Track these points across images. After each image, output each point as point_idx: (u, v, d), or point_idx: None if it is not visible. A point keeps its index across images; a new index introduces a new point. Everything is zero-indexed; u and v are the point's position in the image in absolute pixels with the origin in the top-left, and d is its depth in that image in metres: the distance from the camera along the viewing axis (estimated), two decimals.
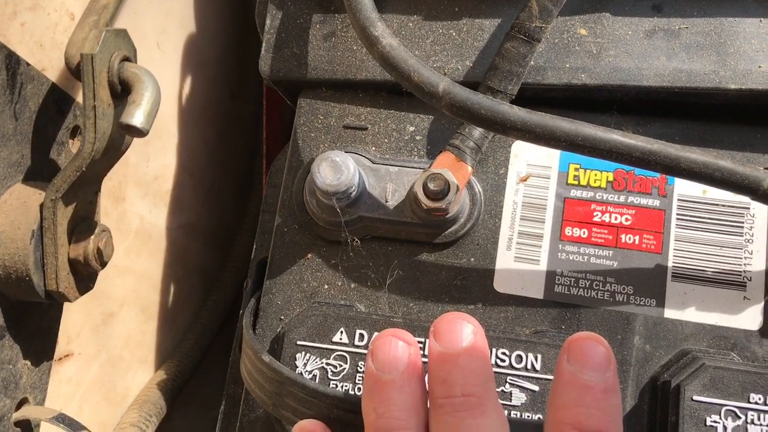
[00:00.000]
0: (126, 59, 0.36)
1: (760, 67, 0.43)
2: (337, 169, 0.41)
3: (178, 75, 0.55)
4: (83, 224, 0.38)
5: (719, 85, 0.43)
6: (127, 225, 0.49)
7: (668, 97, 0.44)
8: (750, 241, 0.42)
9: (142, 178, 0.50)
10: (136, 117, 0.34)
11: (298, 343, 0.41)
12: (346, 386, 0.40)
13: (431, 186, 0.41)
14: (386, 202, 0.44)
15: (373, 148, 0.46)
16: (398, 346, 0.33)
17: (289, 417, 0.39)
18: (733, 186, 0.38)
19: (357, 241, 0.44)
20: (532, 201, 0.45)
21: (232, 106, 0.65)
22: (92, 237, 0.37)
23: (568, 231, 0.44)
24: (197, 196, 0.59)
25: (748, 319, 0.41)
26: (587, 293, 0.43)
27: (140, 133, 0.34)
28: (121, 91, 0.36)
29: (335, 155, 0.41)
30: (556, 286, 0.43)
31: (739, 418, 0.38)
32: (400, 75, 0.40)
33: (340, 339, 0.41)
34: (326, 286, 0.44)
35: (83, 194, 0.37)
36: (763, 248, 0.42)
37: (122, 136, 0.37)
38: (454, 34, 0.46)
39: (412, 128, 0.47)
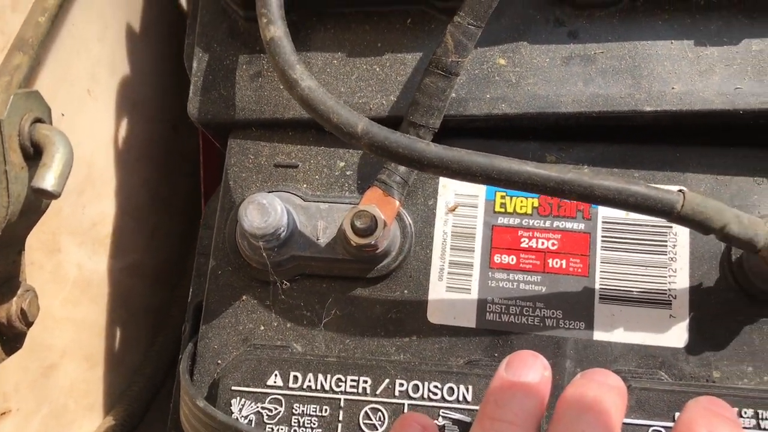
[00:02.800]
0: (38, 120, 0.36)
1: (673, 88, 0.44)
2: (264, 212, 0.41)
3: (112, 119, 0.55)
4: (5, 286, 0.37)
5: (635, 108, 0.44)
6: (64, 275, 0.49)
7: (587, 121, 0.45)
8: (673, 259, 0.43)
9: (77, 227, 0.50)
10: (47, 180, 0.34)
11: (233, 388, 0.41)
12: (282, 429, 0.40)
13: (358, 224, 0.41)
14: (318, 240, 0.44)
15: (305, 186, 0.47)
16: (537, 361, 0.35)
17: None
18: (648, 210, 0.38)
19: (286, 284, 0.44)
20: (461, 230, 0.45)
21: (174, 142, 0.65)
22: (15, 299, 0.37)
23: (497, 258, 0.44)
24: (139, 237, 0.59)
25: (674, 337, 0.42)
26: (518, 319, 0.43)
27: (52, 195, 0.34)
28: (34, 153, 0.36)
29: (262, 197, 0.42)
30: (487, 314, 0.44)
31: None
32: (319, 116, 0.40)
33: (275, 382, 0.41)
34: (262, 328, 0.45)
35: (4, 256, 0.37)
36: (686, 266, 0.43)
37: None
38: (377, 69, 0.47)
39: (342, 163, 0.47)
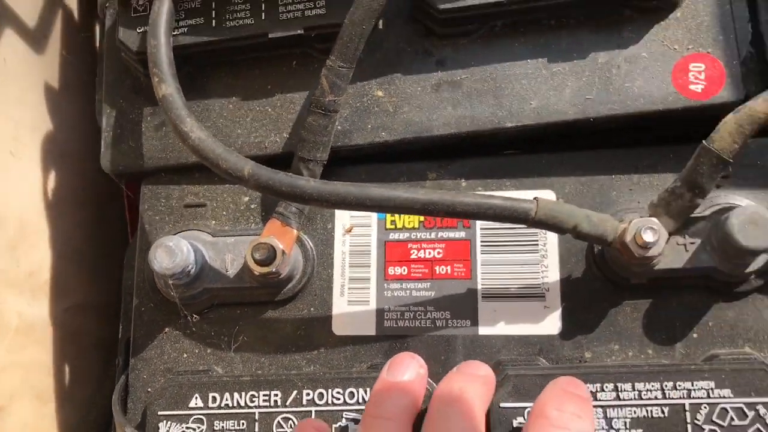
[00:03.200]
0: None
1: (531, 104, 0.49)
2: (171, 253, 0.46)
3: (40, 174, 0.59)
4: None
5: (498, 125, 0.49)
6: (5, 325, 0.53)
7: (458, 141, 0.50)
8: (545, 256, 0.48)
9: (13, 280, 0.54)
10: None
11: (159, 413, 0.46)
12: None
13: (257, 255, 0.46)
14: (227, 271, 0.49)
15: (214, 222, 0.51)
16: (413, 362, 0.43)
17: None
18: (507, 219, 0.43)
19: (196, 317, 0.49)
20: (358, 249, 0.50)
21: (105, 185, 0.69)
22: None
23: (391, 270, 0.49)
24: (80, 278, 0.63)
25: (550, 326, 0.47)
26: (412, 323, 0.48)
27: None
28: None
29: (168, 240, 0.46)
30: (385, 321, 0.49)
31: None
32: (210, 163, 0.45)
33: (196, 404, 0.46)
34: (185, 356, 0.49)
35: None
36: (556, 261, 0.48)
37: None
38: (269, 110, 0.52)
39: (246, 198, 0.52)
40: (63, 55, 0.60)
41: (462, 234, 0.49)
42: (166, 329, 0.50)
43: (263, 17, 0.49)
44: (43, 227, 0.59)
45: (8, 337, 0.54)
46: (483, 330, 0.48)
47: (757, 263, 0.45)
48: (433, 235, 0.50)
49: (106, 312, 0.68)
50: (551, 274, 0.48)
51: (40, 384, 0.58)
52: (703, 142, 0.43)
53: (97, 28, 0.60)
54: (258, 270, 0.46)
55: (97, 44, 0.65)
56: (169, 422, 0.46)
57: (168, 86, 0.47)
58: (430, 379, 0.45)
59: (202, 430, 0.46)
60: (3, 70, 0.55)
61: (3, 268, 0.53)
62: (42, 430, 0.57)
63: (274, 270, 0.46)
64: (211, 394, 0.46)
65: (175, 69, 0.48)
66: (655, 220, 0.44)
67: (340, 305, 0.49)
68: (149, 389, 0.49)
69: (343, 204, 0.43)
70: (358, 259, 0.50)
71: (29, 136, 0.58)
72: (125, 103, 0.53)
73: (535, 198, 0.44)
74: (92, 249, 0.66)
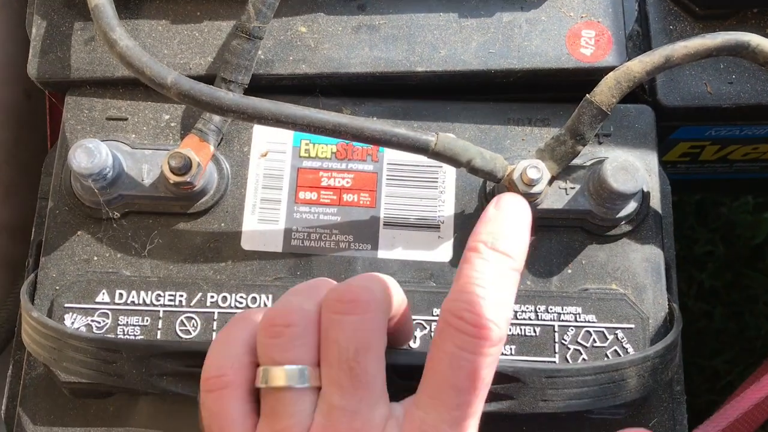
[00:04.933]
0: None
1: (440, 52, 0.53)
2: (91, 154, 0.48)
3: None
4: None
5: (410, 68, 0.53)
6: None
7: (373, 80, 0.54)
8: (443, 191, 0.53)
9: None
10: None
11: (66, 305, 0.48)
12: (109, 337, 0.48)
13: (173, 163, 0.49)
14: (143, 180, 0.51)
15: (134, 136, 0.54)
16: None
17: (62, 366, 0.46)
18: (409, 148, 0.47)
19: (117, 215, 0.51)
20: (272, 172, 0.53)
21: (27, 106, 0.70)
22: None
23: (301, 195, 0.53)
24: None
25: (442, 253, 0.52)
26: (317, 244, 0.52)
27: None
28: None
29: (88, 142, 0.48)
30: (292, 240, 0.52)
31: (425, 328, 0.49)
32: (135, 70, 0.47)
33: (103, 299, 0.48)
34: (96, 258, 0.51)
35: None
36: (452, 197, 0.53)
37: None
38: (197, 34, 0.54)
39: (167, 116, 0.54)
40: None
41: (370, 167, 0.53)
42: (79, 232, 0.51)
43: None
44: None
45: None
46: (382, 254, 0.52)
47: (627, 209, 0.51)
48: (343, 166, 0.53)
49: (17, 232, 0.68)
50: (447, 208, 0.53)
51: None
52: (587, 95, 0.48)
53: None
54: (173, 178, 0.49)
55: None
56: (74, 315, 0.48)
57: None
58: None
59: (107, 324, 0.48)
60: None
61: None
62: None
63: (188, 180, 0.49)
64: (118, 291, 0.48)
65: None
66: (539, 161, 0.49)
67: (250, 222, 0.52)
68: (57, 287, 0.50)
69: (260, 118, 0.46)
70: (271, 182, 0.53)
71: None
72: (57, 16, 0.55)
73: (436, 132, 0.48)
74: (9, 170, 0.67)
